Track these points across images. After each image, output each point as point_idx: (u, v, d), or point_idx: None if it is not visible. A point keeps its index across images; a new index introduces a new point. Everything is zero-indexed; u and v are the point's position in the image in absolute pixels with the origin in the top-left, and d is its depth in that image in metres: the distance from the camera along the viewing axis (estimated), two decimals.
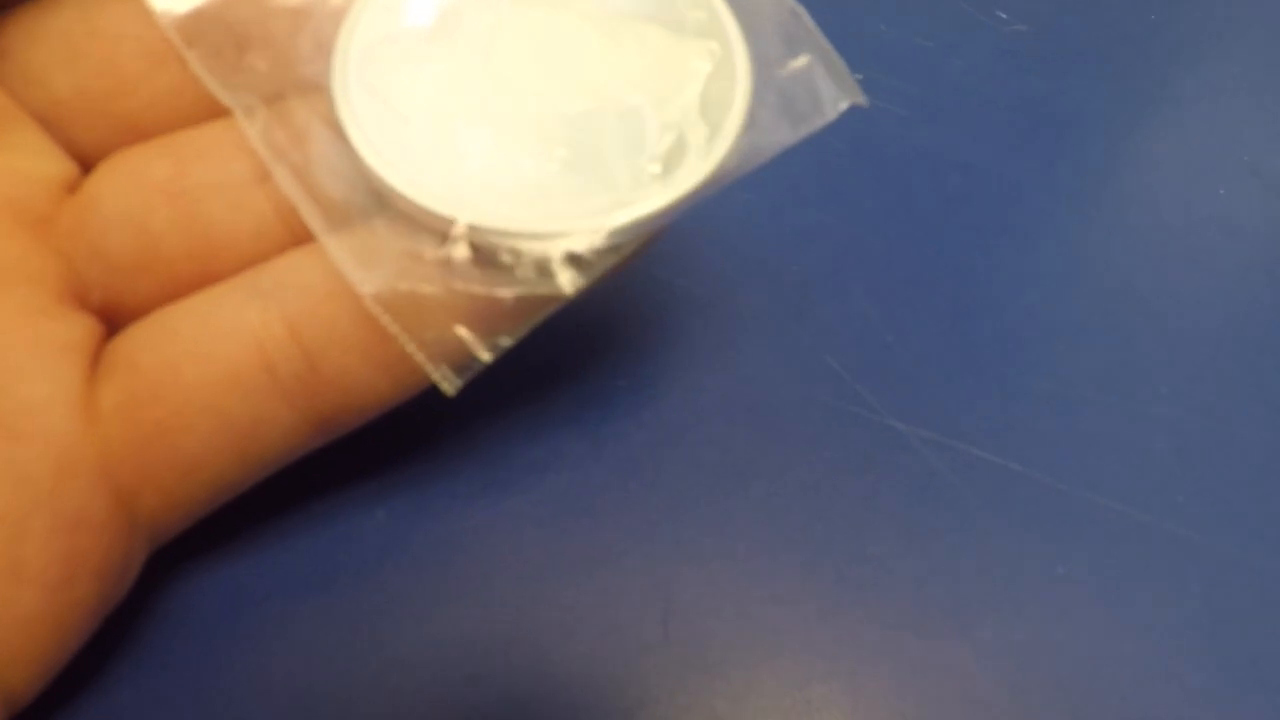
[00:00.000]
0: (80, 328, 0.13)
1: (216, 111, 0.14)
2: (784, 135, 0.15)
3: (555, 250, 0.13)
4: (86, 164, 0.15)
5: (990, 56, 0.24)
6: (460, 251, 0.13)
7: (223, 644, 0.15)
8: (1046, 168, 0.22)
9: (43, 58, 0.14)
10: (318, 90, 0.14)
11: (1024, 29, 0.24)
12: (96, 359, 0.13)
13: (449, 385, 0.14)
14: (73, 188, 0.14)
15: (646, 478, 0.17)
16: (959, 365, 0.19)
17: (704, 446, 0.18)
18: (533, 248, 0.13)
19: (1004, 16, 0.24)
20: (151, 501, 0.13)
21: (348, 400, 0.14)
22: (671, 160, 0.14)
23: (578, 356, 0.19)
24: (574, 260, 0.13)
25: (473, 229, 0.13)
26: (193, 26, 0.14)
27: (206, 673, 0.15)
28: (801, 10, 0.15)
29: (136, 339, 0.14)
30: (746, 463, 0.17)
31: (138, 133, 0.14)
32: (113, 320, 0.14)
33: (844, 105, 0.15)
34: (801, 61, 0.15)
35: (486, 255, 0.13)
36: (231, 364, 0.13)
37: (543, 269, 0.13)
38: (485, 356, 0.14)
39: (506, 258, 0.13)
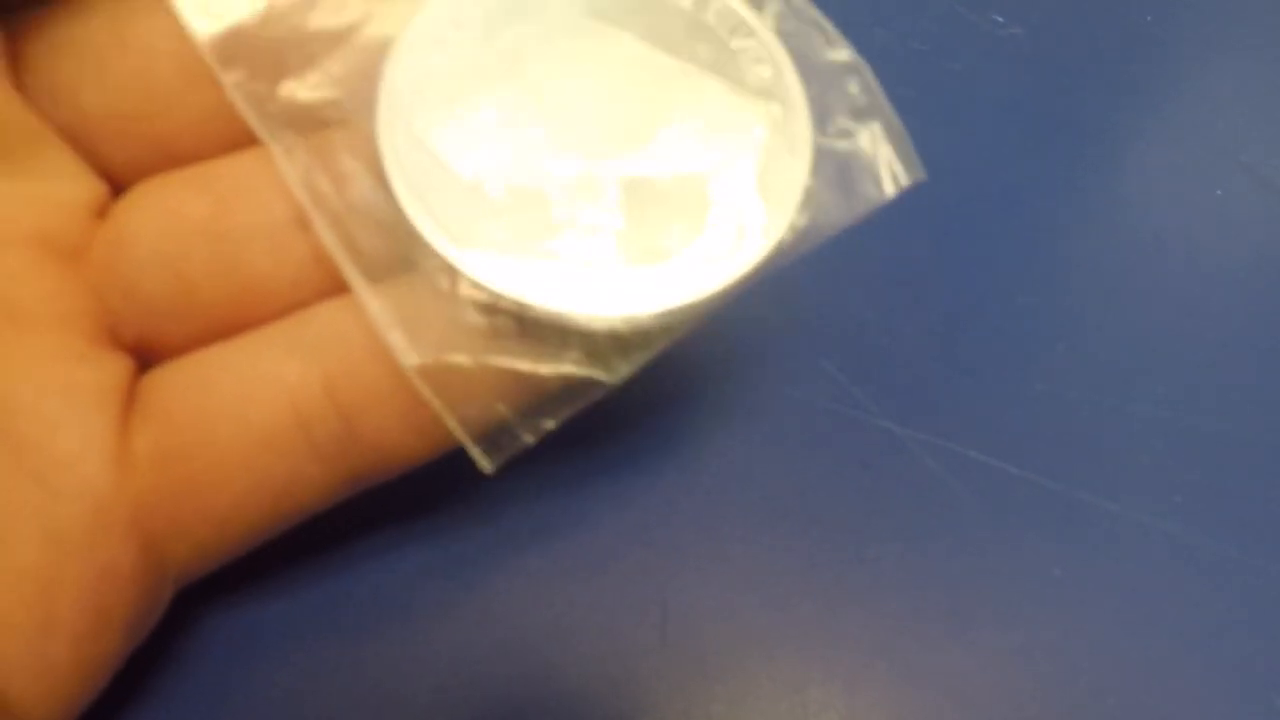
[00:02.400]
0: (113, 370, 0.13)
1: (253, 135, 0.14)
2: (841, 215, 0.14)
3: (605, 335, 0.13)
4: (115, 182, 0.14)
5: (986, 60, 0.24)
6: (507, 326, 0.13)
7: (233, 679, 0.15)
8: (1042, 170, 0.22)
9: (71, 71, 0.14)
10: (359, 126, 0.14)
11: (1020, 32, 0.24)
12: (130, 398, 0.13)
13: (487, 464, 0.13)
14: (102, 211, 0.14)
15: (642, 482, 0.17)
16: (955, 367, 0.19)
17: (699, 450, 0.17)
18: (582, 329, 0.13)
19: (1000, 20, 0.24)
20: (181, 551, 0.13)
21: (382, 460, 0.14)
22: (727, 237, 0.13)
23: None
24: (624, 345, 0.13)
25: (521, 304, 0.13)
26: (229, 47, 0.14)
27: (213, 701, 0.15)
28: (865, 69, 0.14)
29: (172, 386, 0.13)
30: (741, 466, 0.17)
31: (170, 154, 0.14)
32: (146, 355, 0.14)
33: (905, 183, 0.14)
34: (864, 132, 0.14)
35: (534, 331, 0.13)
36: (267, 424, 0.13)
37: (592, 352, 0.13)
38: (527, 438, 0.13)
39: (555, 337, 0.13)
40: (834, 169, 0.14)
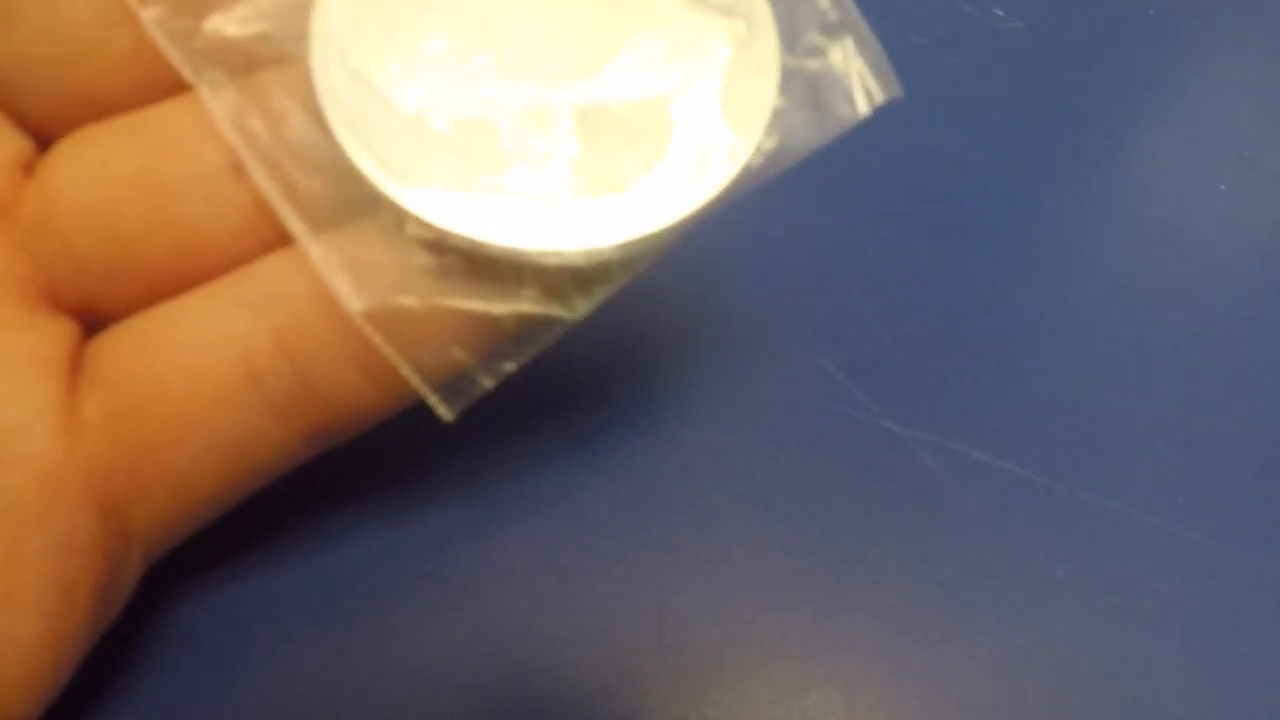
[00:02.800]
0: (56, 335, 0.13)
1: (181, 79, 0.13)
2: (812, 135, 0.13)
3: (562, 270, 0.12)
4: (41, 136, 0.13)
5: (987, 54, 0.23)
6: (458, 265, 0.12)
7: (220, 666, 0.15)
8: (1043, 165, 0.22)
9: None
10: (294, 62, 0.13)
11: (1020, 26, 0.24)
12: (76, 363, 0.13)
13: (446, 411, 0.13)
14: (29, 166, 0.13)
15: (638, 483, 0.17)
16: (956, 366, 0.19)
17: (697, 450, 0.17)
18: (539, 265, 0.12)
19: (1000, 14, 0.24)
20: (143, 517, 0.13)
21: (341, 414, 0.13)
22: (690, 162, 0.13)
23: (568, 361, 0.18)
24: (583, 280, 0.12)
25: (472, 242, 0.12)
26: None
27: (203, 695, 0.15)
28: None
29: (118, 348, 0.13)
30: (740, 467, 0.17)
31: (96, 103, 0.13)
32: (89, 318, 0.13)
33: (880, 100, 0.14)
34: (835, 47, 0.13)
35: (487, 269, 0.12)
36: (218, 380, 0.13)
37: (550, 288, 0.12)
38: (486, 382, 0.13)
39: (510, 275, 0.12)
40: (804, 88, 0.13)
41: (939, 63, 0.23)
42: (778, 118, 0.13)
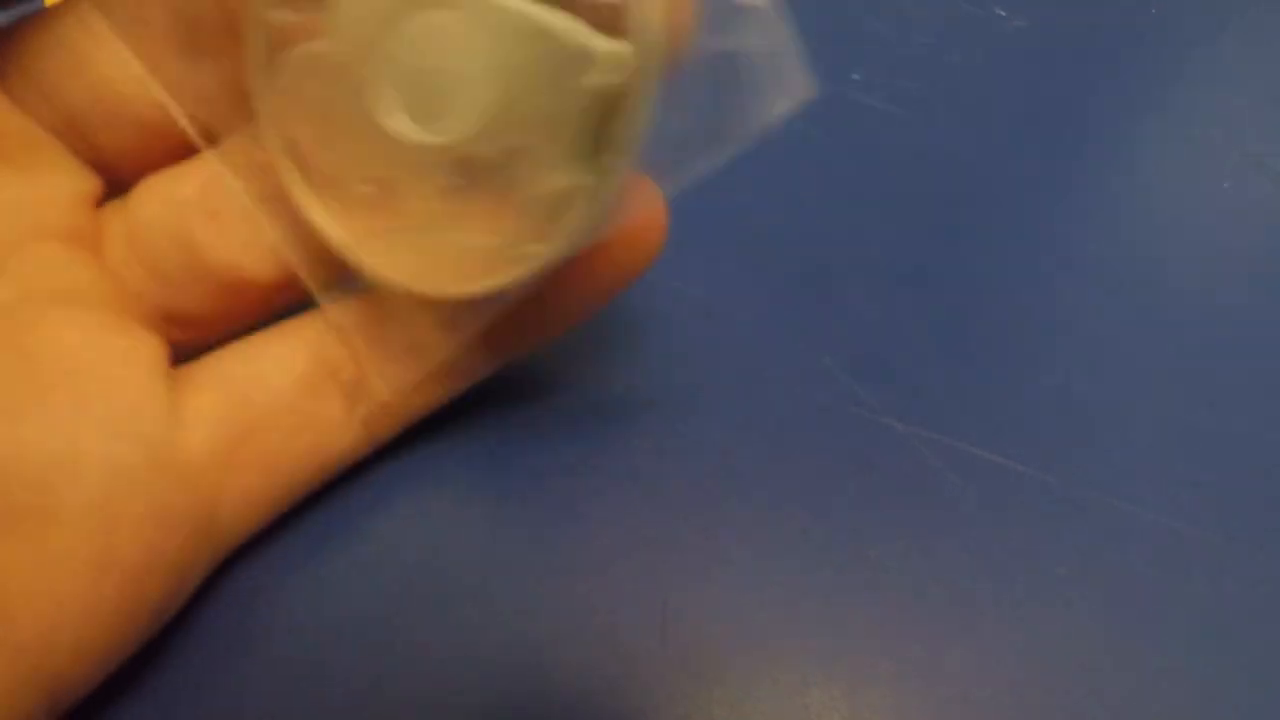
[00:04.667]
0: (155, 344, 0.15)
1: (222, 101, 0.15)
2: (715, 152, 0.13)
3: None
4: (109, 172, 0.15)
5: (990, 53, 0.23)
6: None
7: (225, 676, 0.15)
8: (1047, 164, 0.22)
9: (53, 68, 0.15)
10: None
11: (1023, 25, 0.24)
12: (170, 374, 0.15)
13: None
14: (99, 200, 0.15)
15: (642, 482, 0.17)
16: (958, 364, 0.19)
17: (700, 450, 0.17)
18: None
19: (1003, 14, 0.24)
20: (231, 501, 0.15)
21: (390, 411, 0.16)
22: (561, 202, 0.13)
23: (573, 361, 0.18)
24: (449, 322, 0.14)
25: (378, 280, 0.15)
26: None
27: (209, 694, 0.15)
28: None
29: (213, 363, 0.15)
30: (743, 465, 0.17)
31: (156, 132, 0.15)
32: (168, 336, 0.15)
33: (793, 105, 0.12)
34: (745, 51, 0.12)
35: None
36: (304, 368, 0.15)
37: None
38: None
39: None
40: (708, 95, 0.13)
41: (942, 62, 0.23)
42: (675, 139, 0.13)
